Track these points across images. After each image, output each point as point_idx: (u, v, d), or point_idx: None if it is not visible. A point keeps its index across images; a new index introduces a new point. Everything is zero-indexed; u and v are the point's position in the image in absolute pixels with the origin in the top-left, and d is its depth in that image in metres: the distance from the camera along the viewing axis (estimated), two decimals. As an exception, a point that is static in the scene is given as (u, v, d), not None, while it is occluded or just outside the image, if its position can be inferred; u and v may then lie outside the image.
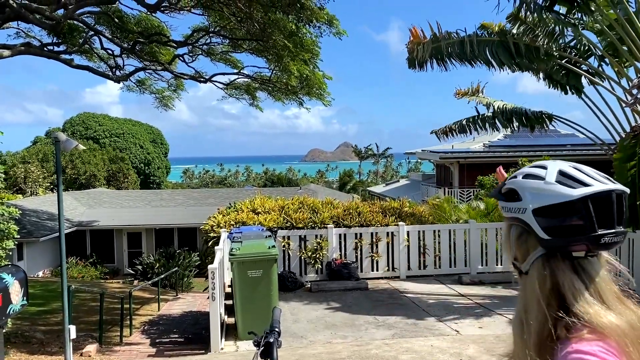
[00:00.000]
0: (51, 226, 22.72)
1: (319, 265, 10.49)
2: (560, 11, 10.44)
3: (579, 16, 10.96)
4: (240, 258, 7.28)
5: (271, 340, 2.51)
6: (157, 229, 26.40)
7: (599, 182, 1.10)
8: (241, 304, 7.23)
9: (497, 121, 12.59)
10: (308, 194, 17.35)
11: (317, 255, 10.44)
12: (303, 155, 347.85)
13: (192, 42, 16.92)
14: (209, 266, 7.19)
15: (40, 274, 22.70)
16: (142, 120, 69.51)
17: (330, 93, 17.38)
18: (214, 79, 18.25)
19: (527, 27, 10.47)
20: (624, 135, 10.00)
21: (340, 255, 10.60)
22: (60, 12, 13.36)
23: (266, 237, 8.17)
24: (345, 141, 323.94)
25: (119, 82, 17.77)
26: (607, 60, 11.02)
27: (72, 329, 7.65)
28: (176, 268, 18.99)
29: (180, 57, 17.93)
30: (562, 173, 1.12)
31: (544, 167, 1.15)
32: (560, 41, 10.66)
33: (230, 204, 12.65)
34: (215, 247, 8.69)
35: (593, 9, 10.21)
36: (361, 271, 10.63)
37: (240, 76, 18.42)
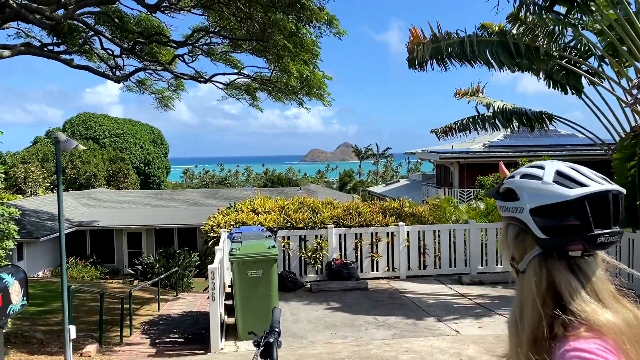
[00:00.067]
0: (51, 226, 22.73)
1: (319, 266, 10.49)
2: (560, 11, 10.44)
3: (579, 16, 10.96)
4: (240, 258, 7.28)
5: (271, 340, 2.51)
6: (157, 229, 26.41)
7: (595, 183, 1.11)
8: (241, 304, 7.23)
9: (497, 121, 12.59)
10: (308, 194, 17.35)
11: (317, 256, 10.44)
12: (303, 155, 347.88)
13: (192, 42, 16.92)
14: (209, 266, 7.19)
15: (40, 274, 22.70)
16: (142, 120, 69.55)
17: (330, 93, 17.39)
18: (214, 79, 18.26)
19: (527, 28, 10.47)
20: (624, 135, 10.00)
21: (340, 255, 10.60)
22: (60, 12, 13.36)
23: (266, 237, 8.17)
24: (345, 141, 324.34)
25: (119, 82, 17.77)
26: (607, 60, 11.02)
27: (72, 329, 7.65)
28: (176, 268, 19.00)
29: (180, 57, 17.93)
30: (559, 173, 1.13)
31: (542, 167, 1.16)
32: (560, 41, 10.66)
33: (230, 204, 12.66)
34: (215, 247, 8.69)
35: (593, 9, 10.21)
36: (361, 271, 10.63)
37: (240, 76, 18.42)
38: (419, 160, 69.27)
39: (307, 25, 14.57)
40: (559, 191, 1.10)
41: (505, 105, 12.69)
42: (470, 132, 13.36)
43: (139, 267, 20.88)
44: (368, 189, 49.14)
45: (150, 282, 16.80)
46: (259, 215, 10.92)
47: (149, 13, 15.49)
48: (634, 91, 9.52)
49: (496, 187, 1.24)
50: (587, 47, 11.05)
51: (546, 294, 1.10)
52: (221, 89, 18.92)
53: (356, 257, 10.71)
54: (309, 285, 10.03)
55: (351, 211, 11.17)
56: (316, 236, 10.57)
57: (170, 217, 26.86)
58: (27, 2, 12.98)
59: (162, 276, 17.36)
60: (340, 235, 10.67)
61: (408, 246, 10.77)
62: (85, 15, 15.61)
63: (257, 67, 20.49)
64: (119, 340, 10.54)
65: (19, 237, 9.10)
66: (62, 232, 8.05)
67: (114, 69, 17.89)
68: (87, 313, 13.13)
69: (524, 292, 1.14)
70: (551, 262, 1.11)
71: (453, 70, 11.18)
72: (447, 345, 6.65)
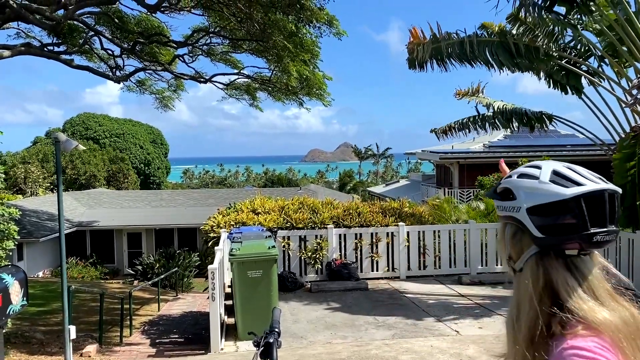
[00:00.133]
0: (51, 226, 22.72)
1: (319, 266, 10.49)
2: (560, 12, 10.44)
3: (579, 17, 10.96)
4: (240, 258, 7.28)
5: (271, 340, 2.51)
6: (157, 229, 26.41)
7: (591, 182, 1.12)
8: (241, 304, 7.23)
9: (497, 121, 12.59)
10: (308, 195, 17.36)
11: (317, 256, 10.44)
12: (303, 155, 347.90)
13: (192, 43, 16.93)
14: (209, 266, 7.19)
15: (40, 274, 22.70)
16: (142, 120, 69.61)
17: (330, 93, 17.39)
18: (214, 79, 18.26)
19: (526, 28, 10.48)
20: (624, 136, 10.01)
21: (340, 255, 10.60)
22: (61, 12, 13.36)
23: (266, 237, 8.17)
24: (345, 141, 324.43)
25: (119, 83, 17.77)
26: (606, 60, 11.03)
27: (72, 329, 7.65)
28: (176, 268, 18.99)
29: (180, 58, 17.93)
30: (556, 173, 1.14)
31: (539, 167, 1.18)
32: (560, 42, 10.66)
33: (230, 204, 12.66)
34: (215, 248, 8.69)
35: (593, 9, 10.21)
36: (361, 271, 10.63)
37: (240, 76, 18.42)
38: (419, 161, 69.29)
39: (307, 26, 14.57)
40: (555, 190, 1.11)
41: (505, 106, 12.69)
42: (470, 132, 13.37)
43: (139, 267, 20.89)
44: (368, 189, 49.15)
45: (150, 283, 16.80)
46: (259, 215, 10.92)
47: (149, 13, 15.49)
48: (634, 91, 9.52)
49: (494, 186, 1.26)
50: (587, 48, 11.05)
51: (543, 293, 1.10)
52: (221, 89, 18.94)
53: (356, 257, 10.71)
54: (309, 286, 10.03)
55: (351, 211, 11.17)
56: (316, 236, 10.57)
57: (170, 217, 26.87)
58: (27, 2, 12.99)
59: (162, 276, 17.35)
60: (340, 235, 10.67)
61: (408, 246, 10.77)
62: (86, 16, 15.61)
63: (257, 68, 20.54)
64: (119, 341, 10.54)
65: (19, 237, 9.10)
66: (62, 232, 8.05)
67: (114, 69, 17.89)
68: (87, 313, 13.13)
69: (521, 291, 1.14)
70: (548, 261, 1.12)
71: (453, 70, 11.20)
72: (447, 345, 6.65)
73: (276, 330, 2.58)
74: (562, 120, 12.63)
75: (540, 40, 10.14)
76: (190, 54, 17.84)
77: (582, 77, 11.32)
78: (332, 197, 14.72)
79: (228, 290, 9.20)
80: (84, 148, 10.14)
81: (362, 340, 7.14)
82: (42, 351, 9.47)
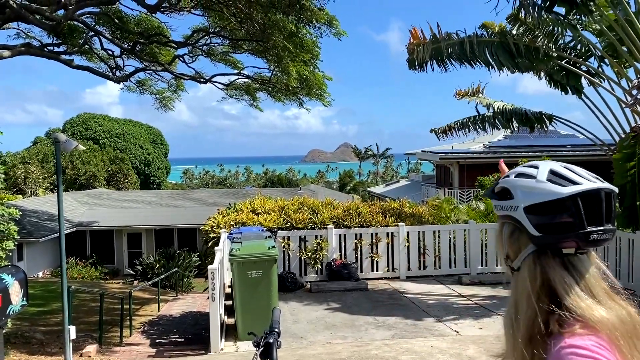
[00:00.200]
0: (51, 227, 22.72)
1: (319, 266, 10.49)
2: (560, 12, 10.44)
3: (579, 17, 10.96)
4: (240, 258, 7.28)
5: (271, 340, 2.51)
6: (157, 229, 26.41)
7: (588, 181, 1.13)
8: (241, 304, 7.23)
9: (497, 121, 12.60)
10: (308, 195, 17.36)
11: (317, 256, 10.44)
12: (303, 155, 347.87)
13: (192, 43, 16.93)
14: (209, 267, 7.19)
15: (40, 274, 22.70)
16: (142, 120, 69.64)
17: (330, 94, 17.40)
18: (214, 79, 18.27)
19: (526, 28, 10.48)
20: (624, 136, 10.01)
21: (340, 255, 10.60)
22: (61, 12, 13.36)
23: (266, 237, 8.17)
24: (345, 142, 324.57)
25: (119, 83, 17.78)
26: (606, 61, 11.03)
27: (72, 329, 7.65)
28: (176, 268, 19.00)
29: (180, 58, 17.94)
30: (553, 172, 1.16)
31: (536, 167, 1.19)
32: (560, 42, 10.66)
33: (230, 204, 12.66)
34: (215, 248, 8.69)
35: (593, 9, 10.21)
36: (361, 272, 10.63)
37: (240, 77, 18.43)
38: (419, 161, 69.29)
39: (307, 26, 14.57)
40: (552, 189, 1.12)
41: (505, 106, 12.70)
42: (470, 132, 13.38)
43: (139, 268, 20.89)
44: (368, 189, 49.17)
45: (150, 283, 16.80)
46: (259, 215, 10.92)
47: (149, 13, 15.50)
48: (634, 92, 9.52)
49: (492, 186, 1.27)
50: (587, 48, 11.05)
51: (541, 291, 1.11)
52: (221, 89, 18.94)
53: (356, 257, 10.71)
54: (309, 286, 10.03)
55: (351, 211, 11.17)
56: (316, 236, 10.57)
57: (170, 217, 26.87)
58: (27, 2, 12.99)
59: (162, 276, 17.36)
60: (340, 235, 10.67)
61: (408, 246, 10.77)
62: (86, 16, 15.61)
63: (257, 68, 20.56)
64: (119, 341, 10.54)
65: (19, 237, 9.10)
66: (62, 232, 8.05)
67: (114, 70, 17.90)
68: (87, 313, 13.13)
69: (519, 290, 1.15)
70: (545, 260, 1.13)
71: (453, 70, 11.20)
72: (447, 345, 6.65)
73: (276, 330, 2.59)
74: (562, 120, 12.63)
75: (540, 40, 10.14)
76: (190, 54, 17.85)
77: (582, 78, 11.32)
78: (332, 197, 14.72)
79: (228, 290, 9.20)
80: (84, 148, 10.14)
81: (362, 340, 7.14)
82: (42, 351, 9.47)
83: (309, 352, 6.60)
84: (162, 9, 14.71)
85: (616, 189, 1.15)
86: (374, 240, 10.79)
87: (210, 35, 16.60)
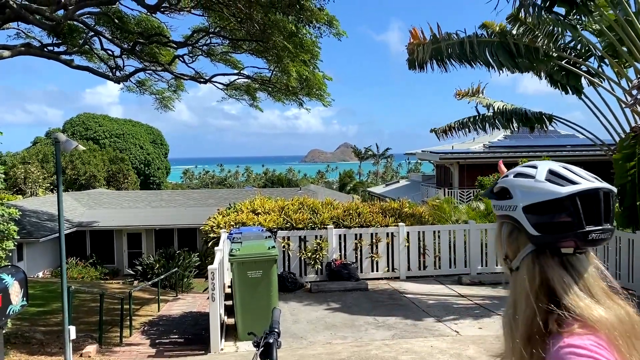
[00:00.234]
0: (51, 227, 22.72)
1: (319, 266, 10.49)
2: (560, 12, 10.44)
3: (579, 17, 10.96)
4: (240, 259, 7.28)
5: (271, 340, 2.51)
6: (157, 229, 26.41)
7: (587, 181, 1.13)
8: (241, 304, 7.23)
9: (497, 121, 12.60)
10: (308, 195, 17.36)
11: (317, 256, 10.44)
12: (303, 155, 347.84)
13: (192, 43, 16.93)
14: (209, 267, 7.19)
15: (40, 274, 22.70)
16: (142, 120, 69.71)
17: (330, 94, 17.40)
18: (214, 79, 18.27)
19: (526, 28, 10.48)
20: (624, 136, 10.01)
21: (340, 255, 10.60)
22: (60, 12, 13.37)
23: (266, 237, 8.17)
24: (345, 142, 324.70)
25: (119, 83, 17.78)
26: (606, 61, 11.03)
27: (72, 329, 7.65)
28: (176, 269, 18.99)
29: (180, 58, 17.94)
30: (551, 172, 1.16)
31: (535, 167, 1.19)
32: (560, 42, 10.67)
33: (230, 204, 12.66)
34: (215, 248, 8.69)
35: (593, 9, 10.21)
36: (361, 272, 10.63)
37: (240, 77, 18.43)
38: (419, 161, 69.28)
39: (307, 26, 14.57)
40: (550, 189, 1.13)
41: (505, 106, 12.70)
42: (470, 132, 13.38)
43: (139, 268, 20.89)
44: (368, 189, 49.17)
45: (150, 283, 16.80)
46: (259, 215, 10.92)
47: (149, 13, 15.50)
48: (634, 92, 9.52)
49: (490, 186, 1.27)
50: (587, 48, 11.05)
51: (539, 291, 1.11)
52: (221, 89, 18.95)
53: (356, 257, 10.71)
54: (309, 286, 10.03)
55: (351, 212, 11.17)
56: (316, 237, 10.57)
57: (170, 217, 26.87)
58: (27, 2, 12.99)
59: (162, 277, 17.35)
60: (340, 235, 10.67)
61: (408, 247, 10.77)
62: (85, 16, 15.62)
63: (257, 68, 20.56)
64: (119, 341, 10.54)
65: (18, 237, 9.10)
66: (62, 232, 8.05)
67: (114, 70, 17.90)
68: (87, 313, 13.13)
69: (518, 290, 1.16)
70: (544, 259, 1.13)
71: (453, 71, 11.20)
72: (447, 345, 6.65)
73: (276, 330, 2.58)
74: (562, 120, 12.64)
75: (540, 40, 10.14)
76: (190, 54, 17.85)
77: (582, 78, 11.33)
78: (332, 197, 14.71)
79: (228, 290, 9.20)
80: (84, 148, 10.14)
81: (362, 340, 7.14)
82: (42, 351, 9.47)
83: (309, 352, 6.59)
84: (162, 9, 14.71)
85: (615, 189, 1.15)
86: (373, 241, 10.78)
87: (210, 35, 16.60)
